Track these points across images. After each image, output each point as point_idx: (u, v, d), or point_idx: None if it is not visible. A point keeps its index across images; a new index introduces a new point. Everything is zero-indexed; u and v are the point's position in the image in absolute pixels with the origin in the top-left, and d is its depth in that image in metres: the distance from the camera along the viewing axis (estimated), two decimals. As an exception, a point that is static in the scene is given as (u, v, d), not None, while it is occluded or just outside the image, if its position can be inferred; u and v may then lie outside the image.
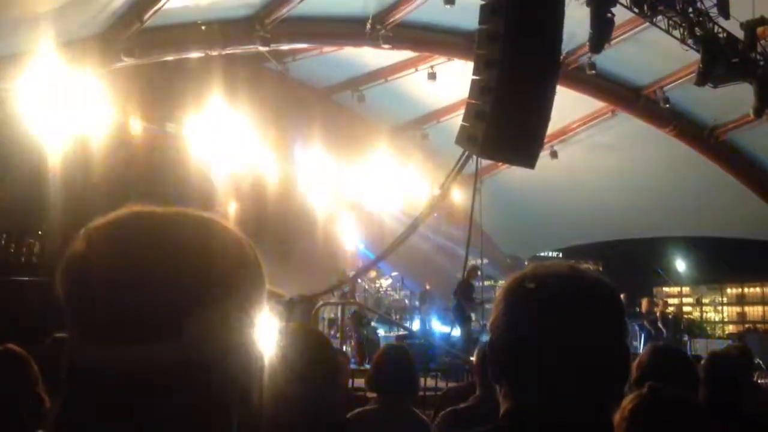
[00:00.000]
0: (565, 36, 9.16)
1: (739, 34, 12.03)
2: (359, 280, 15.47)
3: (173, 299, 0.82)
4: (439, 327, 15.00)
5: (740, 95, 12.81)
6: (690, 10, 11.76)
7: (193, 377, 0.83)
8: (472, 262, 13.61)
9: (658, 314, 16.10)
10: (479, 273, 14.71)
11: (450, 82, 14.67)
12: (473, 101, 9.02)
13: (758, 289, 31.36)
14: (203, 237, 0.88)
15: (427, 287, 16.43)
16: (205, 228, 0.90)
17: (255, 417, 0.92)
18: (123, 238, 0.86)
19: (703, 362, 3.45)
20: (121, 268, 0.83)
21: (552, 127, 10.36)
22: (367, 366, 10.22)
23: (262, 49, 12.93)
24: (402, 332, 14.53)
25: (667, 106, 15.23)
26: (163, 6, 11.09)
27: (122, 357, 0.80)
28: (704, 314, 31.12)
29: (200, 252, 0.86)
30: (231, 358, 0.86)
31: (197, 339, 0.82)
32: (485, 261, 16.29)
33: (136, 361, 0.80)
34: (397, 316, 16.30)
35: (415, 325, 15.69)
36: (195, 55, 13.08)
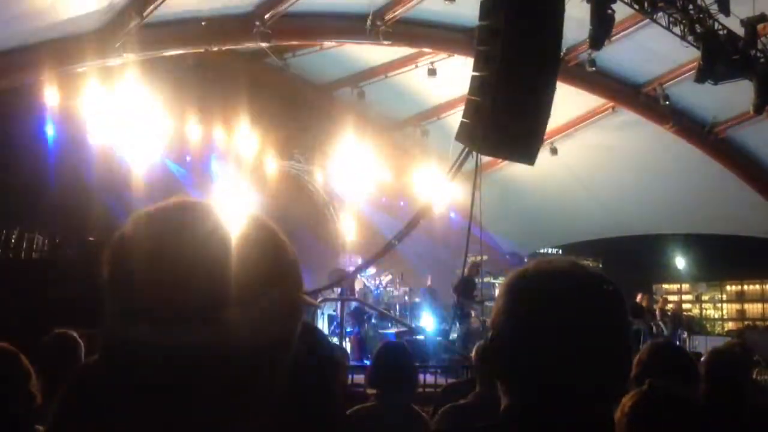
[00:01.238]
0: (565, 32, 9.15)
1: (740, 31, 12.02)
2: (358, 277, 15.45)
3: (211, 288, 0.85)
4: (439, 323, 14.98)
5: (740, 92, 12.80)
6: (690, 6, 11.75)
7: (224, 366, 0.85)
8: (472, 258, 13.59)
9: (657, 311, 16.12)
10: (480, 270, 14.72)
11: (450, 78, 14.65)
12: (473, 97, 9.01)
13: (758, 287, 31.32)
14: (247, 231, 0.92)
15: (428, 284, 16.42)
16: (249, 223, 0.94)
17: (275, 411, 0.94)
18: (168, 224, 0.90)
19: (704, 358, 3.45)
20: (162, 251, 0.86)
21: (552, 123, 10.34)
22: (366, 362, 10.23)
23: (262, 44, 12.92)
24: (401, 329, 14.52)
25: (667, 103, 15.22)
26: (163, 2, 11.08)
27: (155, 336, 0.82)
28: (704, 311, 31.11)
29: (242, 245, 0.89)
30: (263, 353, 0.88)
31: (232, 328, 0.84)
32: (485, 258, 16.28)
33: (168, 341, 0.82)
34: (397, 313, 16.28)
35: (415, 322, 15.67)
36: (195, 51, 13.07)
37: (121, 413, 0.86)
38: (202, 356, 0.83)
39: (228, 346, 0.84)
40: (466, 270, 13.54)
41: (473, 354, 4.55)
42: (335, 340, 12.05)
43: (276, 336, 0.90)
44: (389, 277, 16.78)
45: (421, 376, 7.23)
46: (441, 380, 9.54)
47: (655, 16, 11.83)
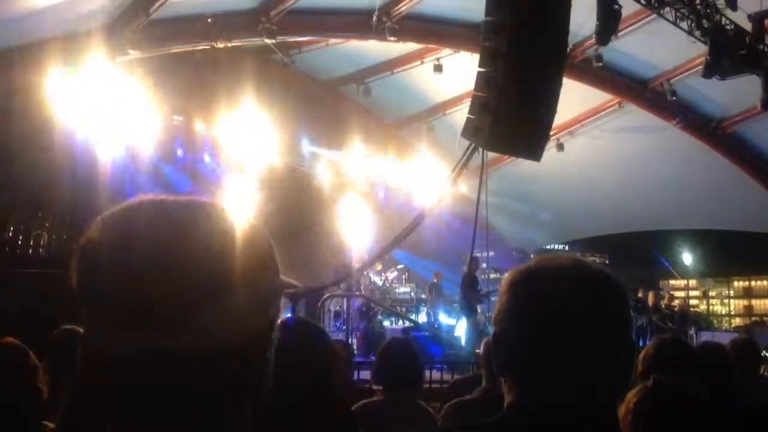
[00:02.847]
0: (571, 28, 9.12)
1: (747, 26, 11.97)
2: (365, 272, 15.46)
3: (184, 287, 0.82)
4: (445, 319, 15.00)
5: (747, 88, 12.75)
6: (697, 1, 11.71)
7: (205, 366, 0.83)
8: (476, 254, 13.61)
9: (664, 307, 16.08)
10: (480, 263, 14.73)
11: (456, 74, 14.64)
12: (479, 93, 8.98)
13: (765, 282, 31.18)
14: (215, 225, 0.89)
15: (435, 279, 16.44)
16: (217, 217, 0.90)
17: (263, 407, 0.93)
18: (136, 226, 0.87)
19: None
20: (133, 255, 0.83)
21: (558, 119, 10.32)
22: (373, 358, 10.23)
23: (268, 41, 12.92)
24: (408, 324, 14.54)
25: (674, 98, 15.16)
26: (168, -2, 11.11)
27: (132, 342, 0.81)
28: (711, 307, 30.98)
29: (212, 240, 0.87)
30: (243, 349, 0.87)
31: (209, 327, 0.83)
32: (491, 254, 16.28)
33: (145, 347, 0.81)
34: (403, 309, 16.30)
35: (421, 318, 15.69)
36: (201, 47, 13.08)
37: (109, 421, 0.85)
38: (183, 357, 0.81)
39: (208, 345, 0.82)
40: (467, 265, 13.56)
41: (480, 350, 4.55)
42: (341, 336, 12.06)
43: (256, 328, 0.89)
44: (395, 273, 16.80)
45: (427, 372, 7.24)
46: (447, 376, 9.55)
47: (662, 11, 11.78)
